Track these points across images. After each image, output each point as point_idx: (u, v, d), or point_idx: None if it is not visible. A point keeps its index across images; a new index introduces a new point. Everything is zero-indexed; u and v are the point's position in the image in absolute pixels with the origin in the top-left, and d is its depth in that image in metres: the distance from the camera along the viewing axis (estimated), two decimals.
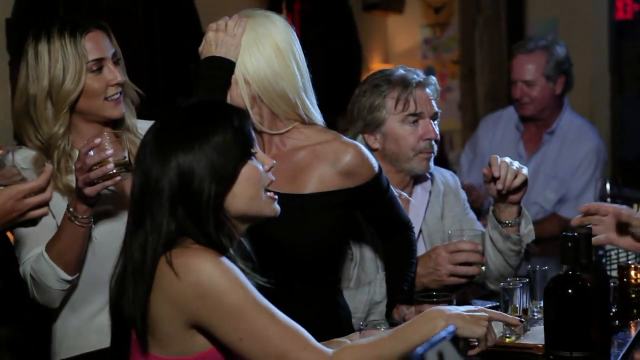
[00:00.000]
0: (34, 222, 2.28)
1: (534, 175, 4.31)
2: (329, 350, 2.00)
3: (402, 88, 2.96)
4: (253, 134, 2.10)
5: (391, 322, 2.49)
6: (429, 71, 7.91)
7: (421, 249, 3.01)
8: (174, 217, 1.99)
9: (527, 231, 2.94)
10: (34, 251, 2.58)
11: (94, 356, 2.48)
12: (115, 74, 2.70)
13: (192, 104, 2.13)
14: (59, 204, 2.59)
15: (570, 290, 2.21)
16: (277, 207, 2.14)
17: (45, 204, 2.24)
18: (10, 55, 4.32)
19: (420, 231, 3.04)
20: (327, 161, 2.56)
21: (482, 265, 2.81)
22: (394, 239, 2.77)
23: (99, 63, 2.67)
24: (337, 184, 2.56)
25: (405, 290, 2.69)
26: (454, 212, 3.11)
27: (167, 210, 1.99)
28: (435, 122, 3.01)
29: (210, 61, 2.52)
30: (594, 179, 4.25)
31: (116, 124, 2.79)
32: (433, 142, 2.99)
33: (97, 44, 2.68)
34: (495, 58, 6.46)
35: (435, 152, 3.02)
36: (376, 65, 7.22)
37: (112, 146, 2.44)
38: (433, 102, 3.00)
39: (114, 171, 2.42)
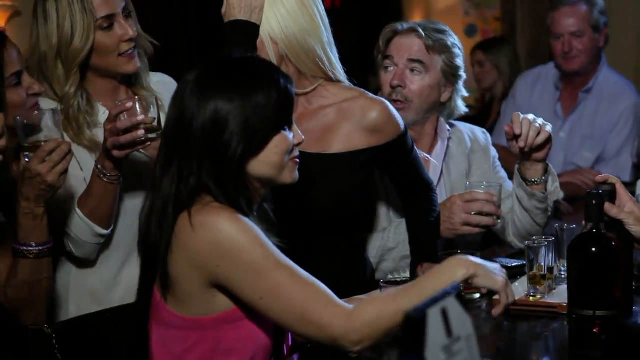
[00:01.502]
0: None
1: (571, 135, 4.23)
2: (350, 307, 1.98)
3: (385, 33, 3.00)
4: (294, 102, 2.07)
5: (412, 278, 2.48)
6: (470, 29, 7.87)
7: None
8: (199, 167, 1.96)
9: (554, 189, 2.89)
10: (65, 206, 2.59)
11: (117, 311, 2.50)
12: (126, 29, 2.66)
13: (242, 56, 2.09)
14: (87, 159, 2.60)
15: (593, 249, 2.16)
16: (297, 174, 2.09)
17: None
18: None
19: (440, 182, 3.01)
20: (354, 118, 2.54)
21: (498, 218, 2.78)
22: (416, 199, 2.75)
23: (109, 20, 2.64)
24: (363, 142, 2.54)
25: (428, 249, 2.68)
26: (482, 170, 3.08)
27: (196, 154, 1.96)
28: (416, 71, 2.94)
29: (234, 26, 2.48)
30: (632, 137, 4.17)
31: (130, 78, 2.78)
32: (402, 92, 2.94)
33: (106, 0, 2.64)
34: (537, 14, 6.34)
35: (414, 102, 2.95)
36: (415, 20, 7.14)
37: (143, 110, 2.42)
38: (411, 51, 2.94)
39: (145, 137, 2.41)
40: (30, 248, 2.31)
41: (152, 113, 2.45)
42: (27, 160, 2.28)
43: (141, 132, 2.40)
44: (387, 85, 2.96)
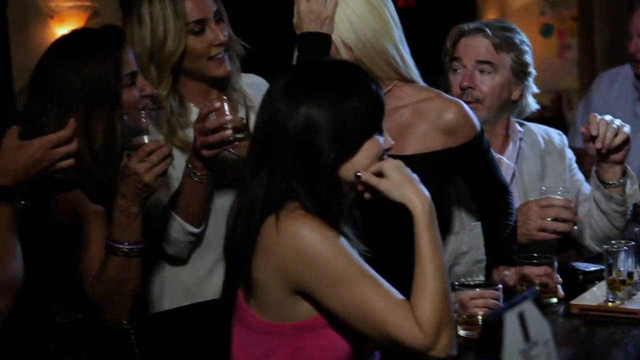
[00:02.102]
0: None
1: None
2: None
3: (453, 34, 2.96)
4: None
5: (487, 282, 2.46)
6: (546, 29, 7.77)
7: (516, 205, 2.95)
8: (290, 172, 1.95)
9: (632, 191, 2.82)
10: (159, 204, 2.61)
11: (202, 306, 2.52)
12: (217, 34, 2.67)
13: (332, 60, 2.10)
14: (179, 159, 2.60)
15: None
16: None
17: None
18: (124, 13, 4.41)
19: (511, 183, 2.96)
20: (429, 119, 2.52)
21: (574, 224, 2.72)
22: (492, 201, 2.72)
23: (201, 24, 2.65)
24: (438, 143, 2.52)
25: (503, 250, 2.64)
26: (557, 172, 3.02)
27: (287, 159, 1.95)
28: (486, 72, 2.89)
29: (306, 38, 2.47)
30: None
31: (222, 80, 2.80)
32: (473, 93, 2.89)
33: (198, 5, 2.65)
34: (615, 13, 6.22)
35: (486, 103, 2.89)
36: None
37: (231, 111, 2.43)
38: (480, 51, 2.89)
39: (233, 137, 2.42)
40: (120, 246, 2.32)
41: (241, 113, 2.47)
42: (127, 158, 2.31)
43: (229, 131, 2.41)
44: (456, 87, 2.92)
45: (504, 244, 2.67)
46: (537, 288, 1.93)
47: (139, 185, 2.29)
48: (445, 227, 2.83)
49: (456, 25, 3.00)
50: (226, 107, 2.43)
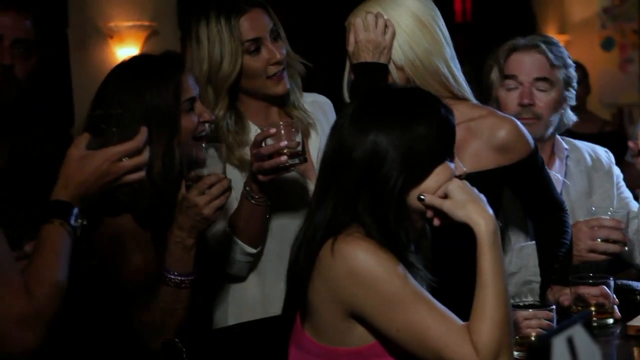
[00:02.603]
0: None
1: None
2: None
3: (502, 51, 2.91)
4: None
5: (540, 302, 2.43)
6: (607, 43, 7.67)
7: None
8: (356, 199, 1.94)
9: None
10: (219, 226, 2.63)
11: (261, 323, 2.54)
12: (273, 52, 2.67)
13: (401, 86, 2.11)
14: (237, 178, 2.61)
15: None
16: None
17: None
18: (182, 31, 4.48)
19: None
20: (482, 137, 2.50)
21: (625, 245, 2.67)
22: (547, 220, 2.68)
23: (256, 43, 2.65)
24: (492, 161, 2.49)
25: (558, 269, 2.60)
26: (604, 189, 2.97)
27: (354, 187, 1.93)
28: (543, 88, 2.87)
29: (363, 68, 2.45)
30: None
31: (282, 98, 2.79)
32: (531, 108, 2.85)
33: (253, 24, 2.66)
34: None
35: (544, 119, 2.87)
36: (551, 36, 7.01)
37: (287, 136, 2.43)
38: (537, 68, 2.86)
39: (288, 163, 2.42)
40: (172, 277, 2.33)
41: (298, 137, 2.45)
42: (187, 190, 2.32)
43: (284, 158, 2.40)
44: (512, 105, 2.89)
45: (559, 263, 2.63)
46: (591, 310, 1.89)
47: (197, 218, 2.30)
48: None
49: (506, 42, 2.97)
50: (282, 132, 2.43)
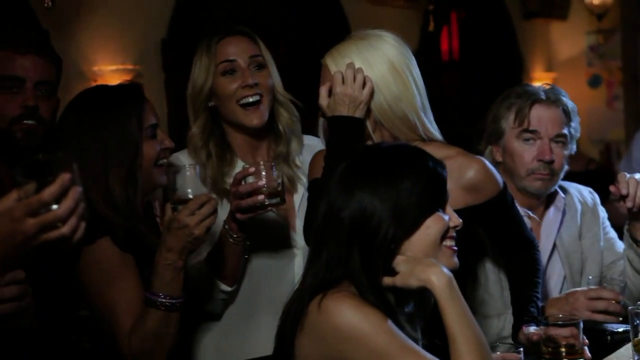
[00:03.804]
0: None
1: None
2: None
3: (522, 102, 2.87)
4: (447, 185, 2.05)
5: (511, 343, 2.43)
6: (594, 80, 7.72)
7: (558, 271, 2.92)
8: (347, 257, 1.95)
9: None
10: (199, 258, 2.64)
11: None
12: (246, 76, 2.71)
13: (388, 144, 2.13)
14: (219, 210, 2.57)
15: None
16: (456, 261, 2.04)
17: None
18: (166, 74, 4.50)
19: (553, 251, 2.93)
20: (452, 177, 2.48)
21: (620, 316, 2.65)
22: (518, 258, 2.69)
23: (230, 65, 2.71)
24: (461, 201, 2.50)
25: (532, 311, 2.61)
26: (593, 232, 2.99)
27: (344, 245, 1.95)
28: (560, 144, 2.88)
29: (338, 122, 2.45)
30: None
31: (273, 140, 2.82)
32: (549, 165, 2.86)
33: (231, 48, 2.73)
34: None
35: (558, 175, 2.89)
36: (538, 74, 7.07)
37: (267, 175, 2.45)
38: (558, 124, 2.87)
39: (266, 202, 2.44)
40: (163, 300, 2.32)
41: (277, 179, 2.46)
42: (175, 212, 2.32)
43: (261, 197, 2.42)
44: (530, 159, 2.87)
45: (530, 301, 2.64)
46: (521, 349, 1.95)
47: (188, 239, 2.30)
48: (486, 309, 2.81)
49: (522, 89, 2.93)
50: (263, 171, 2.45)
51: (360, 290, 1.94)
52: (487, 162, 2.55)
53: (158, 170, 2.49)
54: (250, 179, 2.45)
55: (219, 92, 2.72)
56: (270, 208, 2.48)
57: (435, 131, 2.53)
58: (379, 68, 2.45)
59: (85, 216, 1.71)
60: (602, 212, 3.06)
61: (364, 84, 2.42)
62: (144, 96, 2.51)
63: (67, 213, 1.67)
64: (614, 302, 2.67)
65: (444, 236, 2.01)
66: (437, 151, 2.53)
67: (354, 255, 1.95)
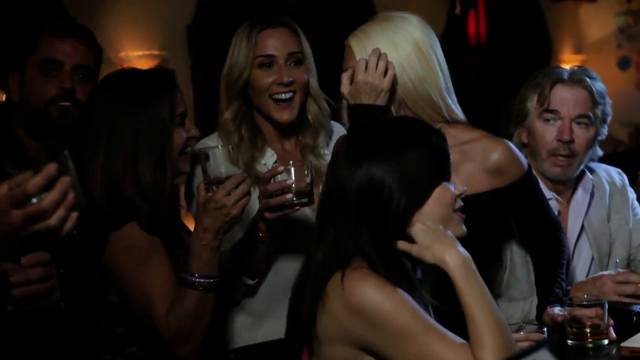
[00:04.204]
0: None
1: None
2: None
3: (545, 82, 2.84)
4: (450, 156, 2.06)
5: (535, 323, 2.44)
6: (624, 62, 7.65)
7: (586, 253, 2.90)
8: (356, 231, 1.95)
9: None
10: (227, 245, 2.63)
11: (258, 348, 2.59)
12: (283, 72, 2.69)
13: (391, 118, 2.15)
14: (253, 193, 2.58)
15: None
16: (464, 228, 2.06)
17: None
18: (192, 60, 4.53)
19: (581, 233, 2.92)
20: (476, 160, 2.51)
21: None
22: (543, 240, 2.69)
23: (268, 59, 2.69)
24: (485, 184, 2.51)
25: (556, 292, 2.61)
26: (621, 214, 2.96)
27: (353, 219, 1.95)
28: (583, 125, 2.83)
29: (360, 109, 2.46)
30: None
31: (301, 133, 2.81)
32: (569, 145, 2.82)
33: (271, 41, 2.70)
34: None
35: (579, 157, 2.84)
36: (567, 56, 7.02)
37: (297, 175, 2.43)
38: (580, 104, 2.82)
39: (294, 201, 2.42)
40: (201, 280, 2.32)
41: (307, 179, 2.44)
42: (210, 192, 2.33)
43: (289, 196, 2.40)
44: (550, 138, 2.84)
45: (555, 283, 2.64)
46: (545, 330, 2.07)
47: (225, 219, 2.31)
48: (512, 292, 2.81)
49: (549, 70, 2.91)
50: (292, 170, 2.43)
51: (373, 264, 1.95)
52: (511, 145, 2.54)
53: (183, 158, 2.50)
54: (279, 178, 2.44)
55: (254, 84, 2.71)
56: (298, 207, 2.45)
57: (459, 113, 2.53)
58: (403, 48, 2.47)
59: (77, 206, 1.67)
60: (631, 194, 3.03)
61: (386, 72, 2.43)
62: (176, 83, 2.51)
63: (53, 205, 1.64)
64: None
65: (452, 204, 2.02)
66: (461, 133, 2.54)
67: (364, 229, 1.96)
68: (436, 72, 2.47)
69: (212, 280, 2.34)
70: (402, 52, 2.46)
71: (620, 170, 3.08)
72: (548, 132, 2.84)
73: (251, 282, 2.64)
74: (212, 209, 2.31)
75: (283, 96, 2.72)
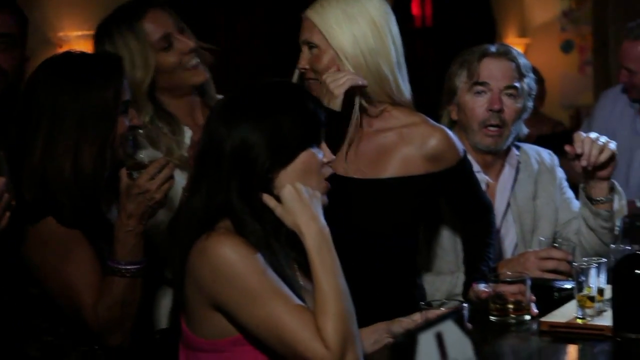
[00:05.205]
0: None
1: None
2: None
3: (472, 57, 2.94)
4: (324, 124, 2.12)
5: (456, 300, 2.49)
6: (567, 46, 7.75)
7: (511, 229, 2.97)
8: (226, 186, 2.02)
9: (620, 207, 2.83)
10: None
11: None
12: (185, 42, 2.75)
13: (271, 81, 2.18)
14: (179, 178, 2.61)
15: (637, 271, 2.14)
16: (325, 198, 2.12)
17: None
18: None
19: (507, 211, 2.99)
20: (413, 144, 2.57)
21: (569, 276, 2.70)
22: (474, 222, 2.76)
23: (166, 39, 2.73)
24: (421, 168, 2.57)
25: (483, 269, 2.67)
26: (548, 192, 3.04)
27: (224, 175, 2.03)
28: (511, 97, 2.93)
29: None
30: None
31: (203, 96, 2.86)
32: (499, 115, 2.91)
33: (157, 23, 2.73)
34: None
35: (509, 127, 2.92)
36: (512, 39, 7.09)
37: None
38: (508, 76, 2.92)
39: None
40: (128, 267, 2.33)
41: None
42: (133, 178, 2.33)
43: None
44: (481, 110, 2.91)
45: (482, 261, 2.70)
46: (465, 306, 2.09)
47: (149, 204, 2.32)
48: (439, 265, 2.88)
49: (475, 47, 2.99)
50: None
51: (237, 221, 2.01)
52: (449, 132, 2.62)
53: (124, 146, 2.45)
54: None
55: (164, 68, 2.74)
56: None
57: (406, 92, 2.60)
58: (358, 21, 2.52)
59: (9, 207, 1.76)
60: (561, 173, 3.11)
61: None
62: (123, 70, 2.47)
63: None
64: (564, 262, 2.74)
65: (318, 170, 2.09)
66: (402, 116, 2.60)
67: (233, 185, 2.02)
68: (388, 46, 2.53)
69: (138, 266, 2.35)
70: (356, 24, 2.51)
71: (551, 152, 3.16)
72: (478, 104, 2.93)
73: None
74: (135, 194, 2.32)
75: (194, 61, 2.77)
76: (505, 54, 2.94)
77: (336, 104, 2.46)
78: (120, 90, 2.41)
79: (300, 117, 2.07)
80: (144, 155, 2.40)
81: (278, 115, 2.05)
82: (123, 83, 2.43)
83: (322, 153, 2.12)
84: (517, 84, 2.93)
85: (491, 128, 2.91)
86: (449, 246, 2.88)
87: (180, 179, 2.63)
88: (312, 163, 2.08)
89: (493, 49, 2.96)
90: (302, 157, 2.07)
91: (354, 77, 2.48)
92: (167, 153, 2.70)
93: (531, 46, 7.26)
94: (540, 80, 6.10)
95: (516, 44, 6.86)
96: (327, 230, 2.03)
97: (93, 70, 2.42)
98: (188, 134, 2.78)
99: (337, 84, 2.46)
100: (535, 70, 6.34)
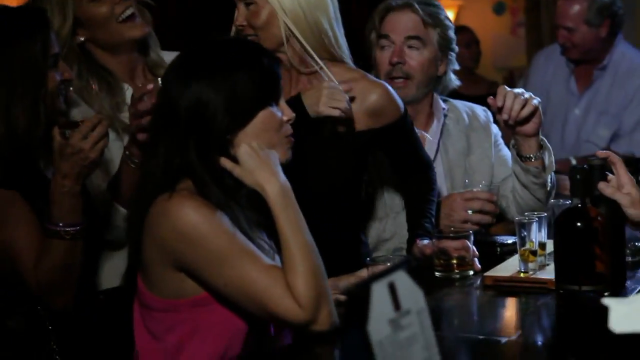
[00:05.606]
0: None
1: (586, 112, 4.19)
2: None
3: (378, 13, 2.99)
4: (281, 81, 2.09)
5: (403, 256, 2.51)
6: (499, 7, 7.81)
7: (441, 182, 2.99)
8: (184, 147, 1.99)
9: (549, 163, 2.87)
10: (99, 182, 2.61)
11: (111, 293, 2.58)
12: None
13: (225, 38, 2.15)
14: (115, 143, 2.61)
15: (578, 224, 2.16)
16: (290, 153, 2.10)
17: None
18: None
19: (436, 162, 3.00)
20: (354, 100, 2.56)
21: (495, 216, 2.81)
22: (415, 178, 2.77)
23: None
24: (363, 124, 2.56)
25: (426, 226, 2.69)
26: (483, 148, 3.07)
27: (180, 135, 1.99)
28: (414, 49, 2.95)
29: None
30: None
31: (146, 55, 2.81)
32: (401, 67, 2.94)
33: None
34: None
35: (415, 78, 2.95)
36: (444, 1, 7.08)
37: None
38: (409, 27, 2.94)
39: None
40: (67, 228, 2.27)
41: None
42: (65, 136, 2.28)
43: None
44: (385, 64, 2.96)
45: (425, 218, 2.72)
46: (413, 258, 2.11)
47: (84, 163, 2.26)
48: (367, 212, 2.90)
49: (383, 2, 3.04)
50: (158, 88, 2.38)
51: (198, 182, 1.99)
52: (389, 87, 2.62)
53: (57, 102, 2.42)
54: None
55: (96, 20, 2.68)
56: None
57: (345, 48, 2.60)
58: None
59: None
60: (496, 129, 3.13)
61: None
62: (49, 22, 2.41)
63: None
64: (489, 202, 2.81)
65: (278, 129, 2.06)
66: (342, 73, 2.59)
67: (191, 145, 1.99)
68: (327, 1, 2.52)
69: (77, 228, 2.30)
70: None
71: (485, 108, 3.18)
72: (383, 58, 2.98)
73: (125, 210, 2.62)
74: (69, 153, 2.27)
75: (128, 12, 2.71)
76: (409, 5, 2.96)
77: (313, 113, 2.45)
78: (47, 43, 2.36)
79: (257, 73, 2.03)
80: (76, 112, 2.34)
81: (233, 72, 2.01)
82: (50, 36, 2.38)
83: (281, 112, 2.08)
84: (420, 35, 2.95)
85: (396, 80, 2.94)
86: (377, 194, 2.91)
87: (120, 144, 2.59)
88: (271, 122, 2.05)
89: (396, 2, 2.99)
90: (261, 117, 2.04)
91: (348, 110, 2.48)
92: (99, 111, 2.65)
93: (463, 8, 7.29)
94: (475, 41, 6.19)
95: (448, 6, 6.89)
96: (288, 185, 2.01)
97: (17, 25, 2.37)
98: (128, 91, 2.72)
99: (329, 104, 2.46)
100: (469, 31, 6.40)
